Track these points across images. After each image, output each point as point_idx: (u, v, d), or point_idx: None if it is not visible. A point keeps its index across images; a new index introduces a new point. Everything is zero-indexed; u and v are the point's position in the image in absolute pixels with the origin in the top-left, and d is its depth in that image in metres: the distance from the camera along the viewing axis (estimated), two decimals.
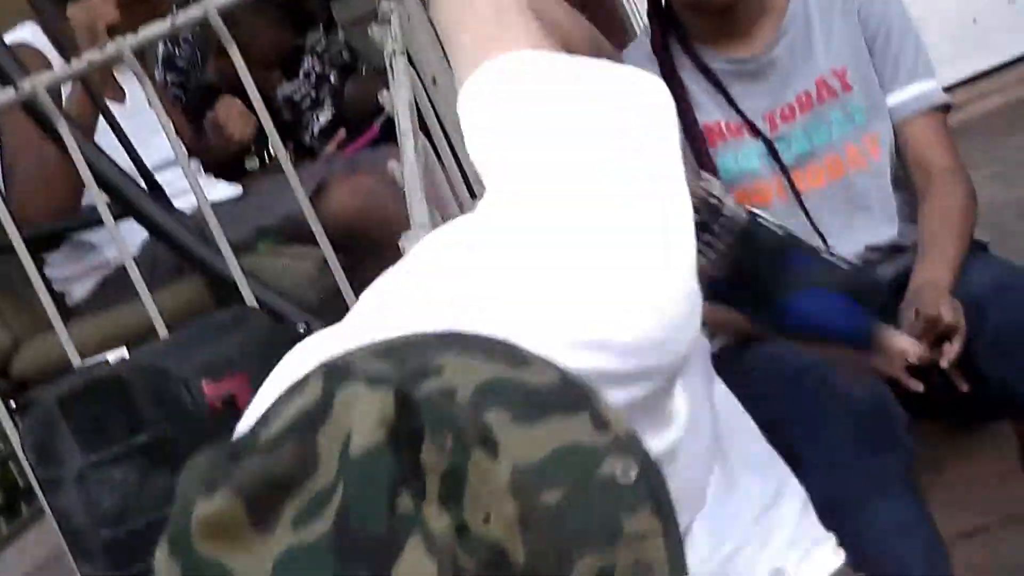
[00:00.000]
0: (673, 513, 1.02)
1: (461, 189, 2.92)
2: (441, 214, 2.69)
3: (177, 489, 0.95)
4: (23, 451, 2.44)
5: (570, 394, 1.03)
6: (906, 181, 2.66)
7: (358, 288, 3.04)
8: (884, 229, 2.64)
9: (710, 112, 2.63)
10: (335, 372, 0.96)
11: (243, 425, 1.16)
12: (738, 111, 2.62)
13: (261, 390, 1.26)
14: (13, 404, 3.26)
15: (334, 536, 0.91)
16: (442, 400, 0.98)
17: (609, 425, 1.02)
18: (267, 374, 2.58)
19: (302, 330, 3.18)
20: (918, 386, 2.38)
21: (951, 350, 2.39)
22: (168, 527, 0.95)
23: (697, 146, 2.59)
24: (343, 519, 0.91)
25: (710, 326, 2.73)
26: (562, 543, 0.96)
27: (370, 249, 3.43)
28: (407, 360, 1.01)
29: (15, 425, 2.86)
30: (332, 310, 3.25)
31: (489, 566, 0.93)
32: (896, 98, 2.66)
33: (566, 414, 1.01)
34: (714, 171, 2.59)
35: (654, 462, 1.02)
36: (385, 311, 1.22)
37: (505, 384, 1.02)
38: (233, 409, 2.34)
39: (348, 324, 1.26)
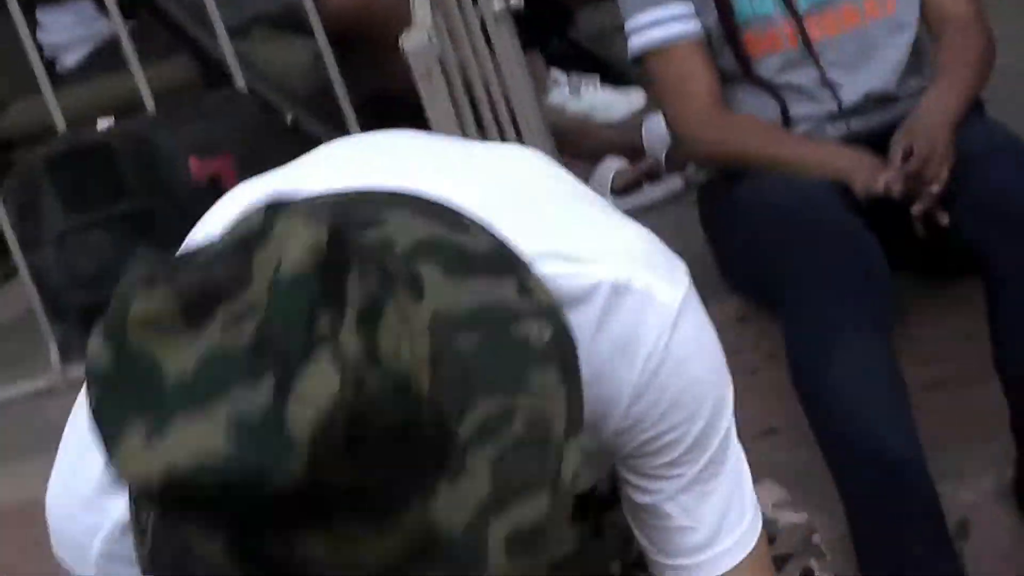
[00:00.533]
0: (579, 381, 1.09)
1: None
2: (444, 16, 2.68)
3: (119, 284, 1.01)
4: (3, 208, 2.43)
5: (502, 261, 1.11)
6: (920, 32, 2.65)
7: (350, 83, 3.04)
8: (887, 79, 2.63)
9: None
10: (278, 205, 1.01)
11: (189, 243, 1.23)
12: None
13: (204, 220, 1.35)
14: None
15: (253, 344, 0.97)
16: (379, 247, 1.05)
17: (533, 293, 1.10)
18: (253, 159, 2.59)
19: (289, 121, 3.17)
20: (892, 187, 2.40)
21: (927, 195, 2.40)
22: (106, 317, 1.00)
23: None
24: (263, 330, 0.97)
25: (701, 158, 2.73)
26: (467, 383, 1.04)
27: (366, 45, 3.40)
28: (353, 211, 1.09)
29: None
30: (322, 104, 3.24)
31: (392, 391, 0.99)
32: None
33: (495, 276, 1.10)
34: (730, 11, 2.58)
35: (569, 333, 1.10)
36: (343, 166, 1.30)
37: (442, 243, 1.10)
38: (216, 188, 2.33)
39: (297, 171, 1.34)
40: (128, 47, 2.83)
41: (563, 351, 1.09)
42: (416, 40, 2.40)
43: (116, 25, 2.89)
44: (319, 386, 0.95)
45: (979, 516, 2.52)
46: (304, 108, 3.19)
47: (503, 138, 2.81)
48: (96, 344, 0.99)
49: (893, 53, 2.63)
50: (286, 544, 1.00)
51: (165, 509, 1.01)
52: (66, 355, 2.29)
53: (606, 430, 1.27)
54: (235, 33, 3.12)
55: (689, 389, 1.28)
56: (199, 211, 2.27)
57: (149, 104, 2.84)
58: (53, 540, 1.27)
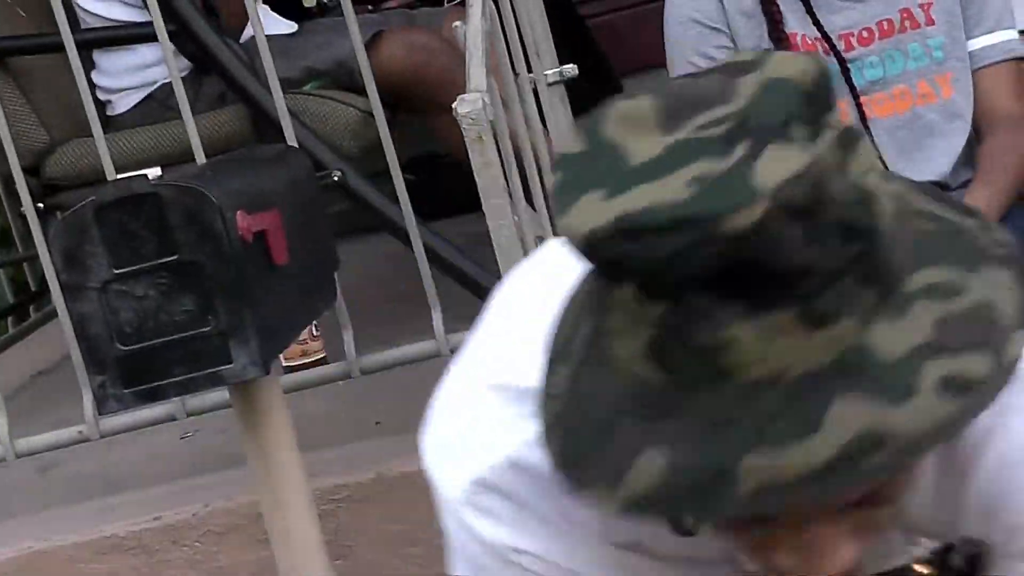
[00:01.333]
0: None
1: (520, 63, 2.90)
2: (498, 84, 2.67)
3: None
4: (49, 253, 2.42)
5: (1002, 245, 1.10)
6: (973, 126, 2.65)
7: (399, 143, 3.03)
8: (936, 168, 2.62)
9: (790, 24, 2.60)
10: (774, 53, 1.06)
11: None
12: (817, 24, 2.59)
13: None
14: (42, 206, 3.25)
15: (725, 134, 1.00)
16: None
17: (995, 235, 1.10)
18: (300, 215, 2.57)
19: (336, 178, 3.16)
20: None
21: None
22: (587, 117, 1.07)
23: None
24: (738, 123, 1.00)
25: None
26: (921, 252, 1.04)
27: (416, 106, 3.41)
28: None
29: (42, 226, 2.86)
30: (370, 162, 3.23)
31: (854, 197, 1.00)
32: (978, 44, 2.65)
33: (961, 216, 1.10)
34: None
35: None
36: None
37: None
38: (263, 244, 2.33)
39: None
40: (182, 96, 2.83)
41: (1019, 269, 1.06)
42: (470, 104, 2.39)
43: (171, 74, 2.89)
44: (789, 156, 0.97)
45: None
46: (352, 165, 3.19)
47: (549, 207, 2.80)
48: (574, 136, 1.05)
49: (949, 141, 2.62)
50: (713, 322, 0.98)
51: (610, 258, 0.99)
52: (101, 406, 2.28)
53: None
54: (288, 86, 3.12)
55: None
56: (246, 265, 2.27)
57: (200, 155, 2.84)
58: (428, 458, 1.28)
